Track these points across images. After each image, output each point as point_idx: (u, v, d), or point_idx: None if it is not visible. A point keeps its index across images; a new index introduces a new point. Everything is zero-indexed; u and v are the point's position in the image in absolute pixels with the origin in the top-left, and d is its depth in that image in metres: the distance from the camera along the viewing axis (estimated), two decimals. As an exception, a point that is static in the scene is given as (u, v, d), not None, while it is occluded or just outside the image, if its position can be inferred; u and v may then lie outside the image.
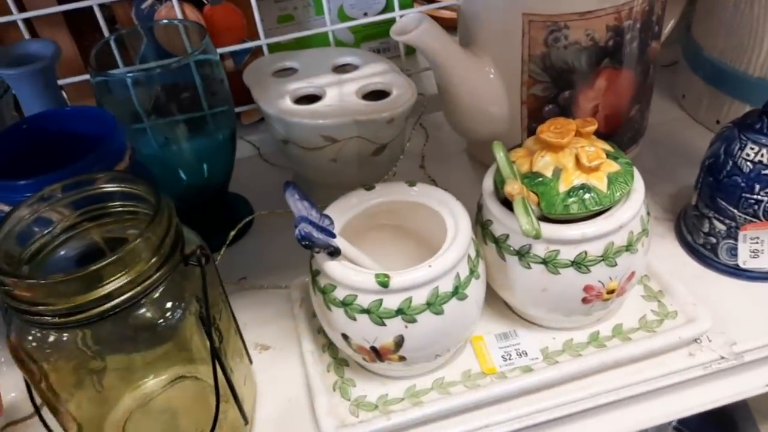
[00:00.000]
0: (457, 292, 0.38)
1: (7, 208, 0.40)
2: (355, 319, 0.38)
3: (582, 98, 0.51)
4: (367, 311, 0.38)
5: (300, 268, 0.52)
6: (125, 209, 0.38)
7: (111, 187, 0.37)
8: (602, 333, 0.44)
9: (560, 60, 0.49)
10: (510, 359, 0.43)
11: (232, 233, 0.49)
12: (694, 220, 0.49)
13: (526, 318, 0.45)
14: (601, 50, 0.49)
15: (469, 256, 0.39)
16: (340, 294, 0.38)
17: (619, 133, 0.54)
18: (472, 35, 0.53)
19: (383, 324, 0.38)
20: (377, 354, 0.39)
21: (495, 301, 0.46)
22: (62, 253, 0.40)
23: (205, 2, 0.59)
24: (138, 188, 0.36)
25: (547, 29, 0.48)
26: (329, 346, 0.45)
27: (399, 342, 0.39)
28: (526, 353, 0.43)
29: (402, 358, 0.40)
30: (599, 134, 0.53)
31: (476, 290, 0.40)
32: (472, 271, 0.40)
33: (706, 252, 0.48)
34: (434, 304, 0.38)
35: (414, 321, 0.38)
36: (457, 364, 0.43)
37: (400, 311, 0.37)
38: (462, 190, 0.59)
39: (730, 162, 0.45)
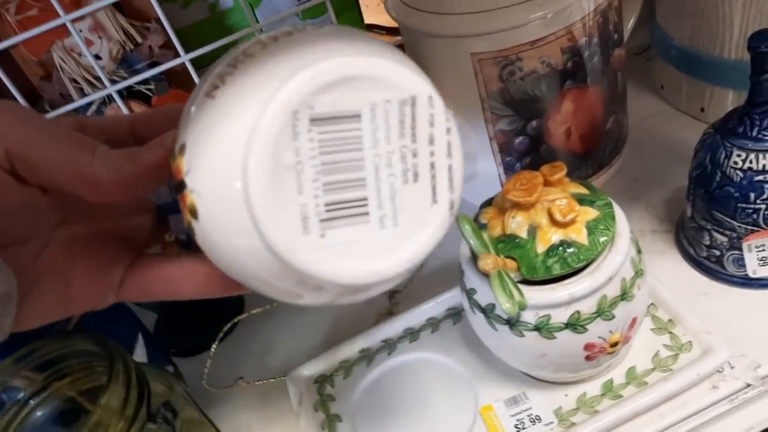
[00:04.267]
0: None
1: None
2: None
3: (552, 124, 0.48)
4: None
5: (296, 356, 0.51)
6: (86, 364, 0.36)
7: (62, 350, 0.35)
8: (616, 381, 0.41)
9: (520, 92, 0.46)
10: (524, 428, 0.41)
11: (215, 345, 0.47)
12: (693, 233, 0.46)
13: (533, 377, 0.43)
14: (561, 74, 0.46)
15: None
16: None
17: (600, 148, 0.51)
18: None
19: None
20: None
21: (499, 362, 0.43)
22: (39, 414, 0.38)
23: (150, 94, 0.57)
24: (87, 346, 0.34)
25: (499, 65, 0.45)
26: (335, 444, 0.43)
27: None
28: (539, 418, 0.41)
29: None
30: (578, 155, 0.51)
31: None
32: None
33: (712, 264, 0.45)
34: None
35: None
36: (469, 441, 0.41)
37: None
38: (447, 232, 0.57)
39: (719, 172, 0.42)
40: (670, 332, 0.43)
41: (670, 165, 0.54)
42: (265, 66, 0.21)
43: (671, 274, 0.47)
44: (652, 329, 0.43)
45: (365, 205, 0.22)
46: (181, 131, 0.23)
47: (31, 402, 0.37)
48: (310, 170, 0.21)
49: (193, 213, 0.22)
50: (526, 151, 0.49)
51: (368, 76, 0.21)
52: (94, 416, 0.31)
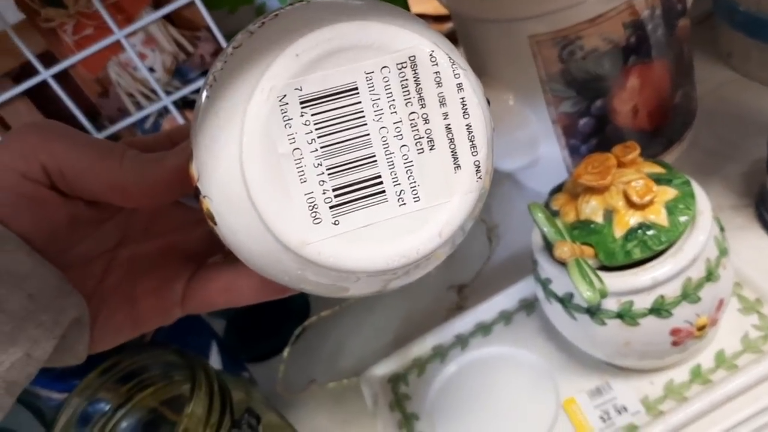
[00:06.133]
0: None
1: (56, 396, 0.40)
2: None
3: (617, 103, 0.46)
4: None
5: (367, 356, 0.50)
6: (167, 375, 0.37)
7: (144, 361, 0.36)
8: (704, 365, 0.39)
9: (582, 72, 0.45)
10: (609, 419, 0.39)
11: (287, 350, 0.47)
12: (777, 206, 0.44)
13: (616, 365, 0.41)
14: (624, 50, 0.44)
15: None
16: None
17: (669, 124, 0.49)
18: (480, 65, 0.49)
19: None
20: None
21: (579, 352, 0.42)
22: (124, 425, 0.39)
23: (205, 102, 0.57)
24: (167, 358, 0.35)
25: (558, 45, 0.43)
26: (415, 442, 0.43)
27: None
28: (625, 408, 0.39)
29: None
30: (647, 133, 0.49)
31: None
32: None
33: (799, 238, 0.43)
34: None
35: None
36: (553, 436, 0.40)
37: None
38: (513, 221, 0.56)
39: (802, 140, 0.39)
40: (758, 312, 0.41)
41: (745, 136, 0.51)
42: (250, 55, 0.20)
43: (755, 251, 0.45)
44: (738, 309, 0.41)
45: (379, 183, 0.20)
46: (191, 136, 0.22)
47: (117, 414, 0.38)
48: (310, 156, 0.20)
49: (211, 219, 0.21)
50: (591, 133, 0.48)
51: (356, 43, 0.19)
52: (181, 426, 0.31)
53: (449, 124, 0.21)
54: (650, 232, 0.35)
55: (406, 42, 0.20)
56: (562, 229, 0.36)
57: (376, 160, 0.20)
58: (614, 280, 0.35)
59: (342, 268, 0.20)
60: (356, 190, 0.20)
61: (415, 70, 0.20)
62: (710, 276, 0.36)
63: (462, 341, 0.47)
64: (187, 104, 0.57)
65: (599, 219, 0.36)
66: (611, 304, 0.36)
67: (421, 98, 0.20)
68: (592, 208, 0.36)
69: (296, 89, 0.19)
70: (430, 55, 0.20)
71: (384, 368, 0.47)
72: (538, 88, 0.47)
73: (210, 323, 0.49)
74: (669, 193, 0.36)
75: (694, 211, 0.36)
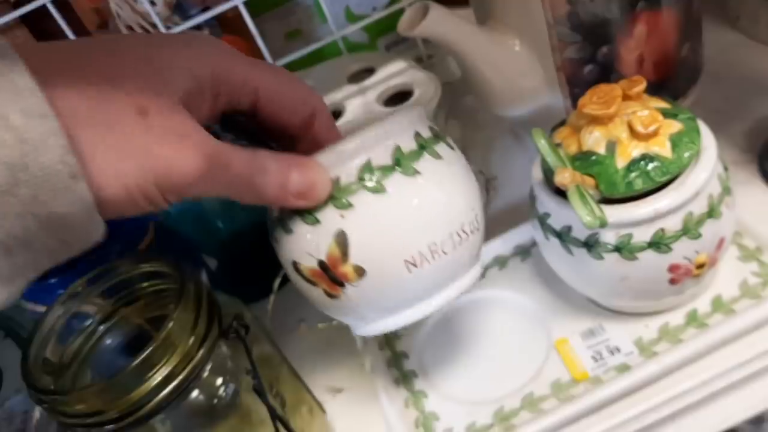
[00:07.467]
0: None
1: (42, 309, 0.39)
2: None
3: (623, 50, 0.46)
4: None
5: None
6: (155, 288, 0.36)
7: (133, 271, 0.35)
8: (701, 310, 0.39)
9: (589, 15, 0.44)
10: (601, 359, 0.39)
11: (276, 284, 0.46)
12: (780, 159, 0.43)
13: (610, 308, 0.41)
14: (633, -7, 0.43)
15: None
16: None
17: (674, 77, 0.49)
18: (487, 9, 0.49)
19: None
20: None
21: (573, 296, 0.41)
22: (108, 342, 0.38)
23: (206, 40, 0.56)
24: (159, 267, 0.34)
25: (568, -15, 0.43)
26: (403, 379, 0.42)
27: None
28: (618, 349, 0.39)
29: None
30: (652, 84, 0.48)
31: None
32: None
33: (801, 191, 0.43)
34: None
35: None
36: (544, 374, 0.39)
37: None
38: (512, 174, 0.56)
39: (810, 87, 0.39)
40: (758, 259, 0.40)
41: (750, 96, 0.51)
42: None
43: (757, 203, 0.44)
44: (738, 257, 0.41)
45: None
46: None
47: (100, 328, 0.37)
48: None
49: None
50: (595, 81, 0.47)
51: None
52: (165, 330, 0.30)
53: None
54: (653, 164, 0.34)
55: None
56: (564, 159, 0.36)
57: None
58: (614, 212, 0.34)
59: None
60: None
61: None
62: (712, 212, 0.35)
63: (455, 285, 0.46)
64: (187, 40, 0.56)
65: (602, 150, 0.35)
66: (609, 237, 0.35)
67: None
68: (595, 139, 0.35)
69: None
70: None
71: (375, 309, 0.47)
72: (544, 32, 0.46)
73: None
74: (674, 126, 0.35)
75: (698, 146, 0.35)
